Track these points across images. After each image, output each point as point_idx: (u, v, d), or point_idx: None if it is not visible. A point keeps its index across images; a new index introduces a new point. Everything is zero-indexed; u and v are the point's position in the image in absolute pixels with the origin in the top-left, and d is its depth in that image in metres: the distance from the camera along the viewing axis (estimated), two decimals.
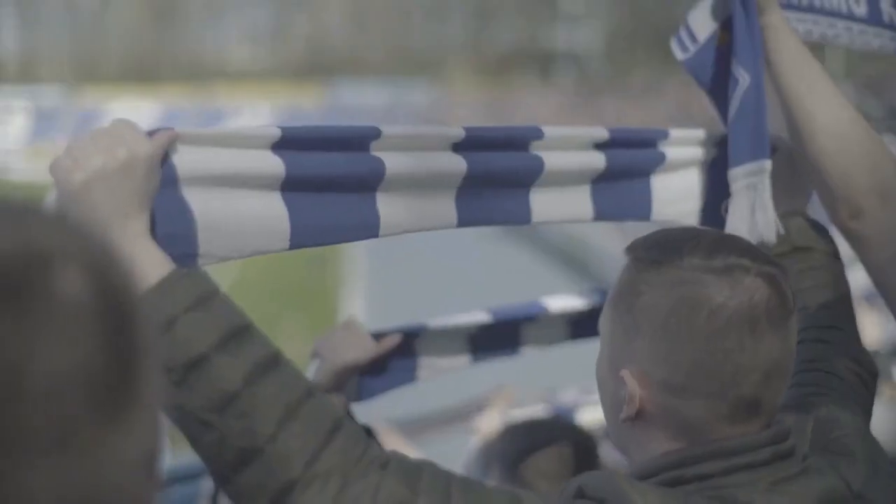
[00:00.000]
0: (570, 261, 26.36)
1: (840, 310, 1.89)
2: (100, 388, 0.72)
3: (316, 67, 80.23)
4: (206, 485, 2.59)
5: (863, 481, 1.49)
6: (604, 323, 1.52)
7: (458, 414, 6.14)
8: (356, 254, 27.34)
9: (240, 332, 1.32)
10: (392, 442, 5.48)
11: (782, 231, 1.97)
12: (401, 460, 1.35)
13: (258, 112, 64.28)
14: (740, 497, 1.39)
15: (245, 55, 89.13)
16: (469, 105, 63.82)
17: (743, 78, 2.00)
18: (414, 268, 24.66)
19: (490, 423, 4.67)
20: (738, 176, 2.01)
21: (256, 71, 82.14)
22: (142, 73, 78.42)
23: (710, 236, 1.48)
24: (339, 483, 1.29)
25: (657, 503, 1.36)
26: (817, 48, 2.05)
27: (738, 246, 1.46)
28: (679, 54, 2.14)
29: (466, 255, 25.71)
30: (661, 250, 1.46)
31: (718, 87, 2.10)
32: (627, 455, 1.52)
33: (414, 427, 6.17)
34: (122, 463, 0.74)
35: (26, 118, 64.55)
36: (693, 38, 2.13)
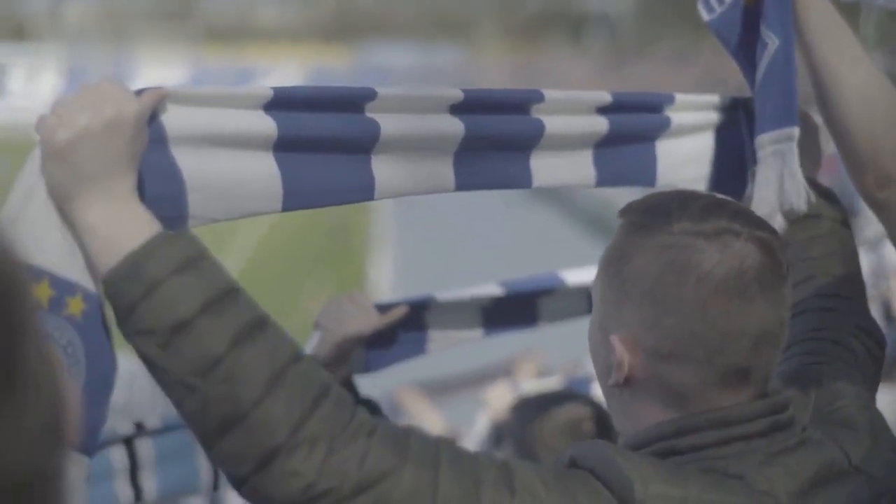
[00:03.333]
0: (603, 226, 26.26)
1: (848, 278, 1.85)
2: None
3: (345, 28, 79.98)
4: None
5: (863, 454, 1.48)
6: (595, 287, 1.50)
7: (483, 375, 6.12)
8: (384, 220, 27.30)
9: (226, 295, 1.29)
10: (415, 403, 5.48)
11: (813, 199, 1.92)
12: (388, 427, 1.32)
13: (288, 72, 64.18)
14: (731, 469, 1.38)
15: (274, 15, 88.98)
16: (498, 68, 63.49)
17: (771, 41, 1.95)
18: (442, 234, 24.58)
19: (499, 396, 4.61)
20: (766, 143, 1.96)
21: (286, 31, 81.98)
22: (171, 32, 78.38)
23: (701, 200, 1.44)
24: (325, 450, 1.26)
25: (648, 474, 1.34)
26: (851, 14, 2.01)
27: (728, 210, 1.42)
28: (705, 15, 2.08)
29: (495, 220, 25.63)
30: (651, 214, 1.43)
31: (745, 50, 2.04)
32: (620, 422, 1.50)
33: (438, 388, 6.17)
34: (12, 439, 0.71)
35: (56, 77, 64.73)
36: None
